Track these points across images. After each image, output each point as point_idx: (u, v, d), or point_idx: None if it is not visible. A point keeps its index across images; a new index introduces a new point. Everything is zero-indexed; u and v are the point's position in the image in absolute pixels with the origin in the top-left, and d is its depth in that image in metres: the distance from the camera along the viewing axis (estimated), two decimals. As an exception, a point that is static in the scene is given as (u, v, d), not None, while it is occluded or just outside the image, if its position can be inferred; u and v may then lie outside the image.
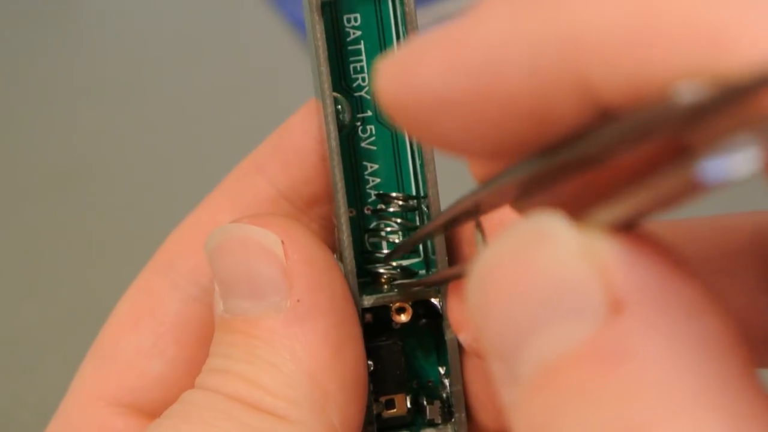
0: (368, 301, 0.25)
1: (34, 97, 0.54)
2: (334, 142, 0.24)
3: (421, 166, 0.25)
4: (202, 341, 0.26)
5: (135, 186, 0.49)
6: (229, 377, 0.22)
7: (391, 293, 0.25)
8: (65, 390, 0.41)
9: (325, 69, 0.24)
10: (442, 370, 0.26)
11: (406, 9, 0.24)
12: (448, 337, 0.25)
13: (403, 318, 0.25)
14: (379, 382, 0.25)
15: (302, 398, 0.22)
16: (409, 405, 0.25)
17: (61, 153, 0.51)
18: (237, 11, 0.58)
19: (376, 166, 0.25)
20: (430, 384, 0.26)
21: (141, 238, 0.46)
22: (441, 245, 0.25)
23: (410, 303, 0.25)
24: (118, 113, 0.53)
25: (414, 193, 0.25)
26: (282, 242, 0.22)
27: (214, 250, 0.23)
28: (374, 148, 0.25)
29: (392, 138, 0.25)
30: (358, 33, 0.25)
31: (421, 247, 0.25)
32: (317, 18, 0.24)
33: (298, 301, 0.22)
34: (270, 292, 0.22)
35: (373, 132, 0.25)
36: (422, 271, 0.25)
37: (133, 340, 0.26)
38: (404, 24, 0.24)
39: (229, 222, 0.24)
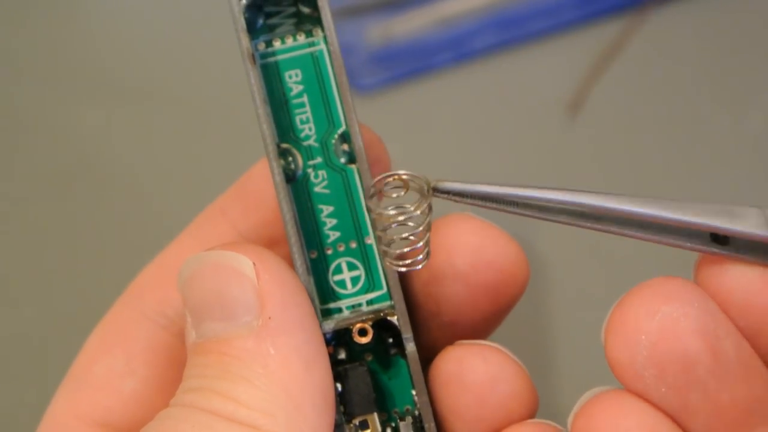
0: (329, 325, 0.25)
1: (35, 97, 0.55)
2: (279, 177, 0.25)
3: None
4: (171, 363, 0.28)
5: (137, 187, 0.50)
6: (204, 393, 0.23)
7: (350, 316, 0.26)
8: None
9: (262, 111, 0.25)
10: (414, 392, 0.26)
11: (334, 62, 0.25)
12: (408, 350, 0.26)
13: (364, 340, 0.26)
14: (350, 404, 0.26)
15: (276, 410, 0.23)
16: (380, 425, 0.26)
17: (62, 153, 0.51)
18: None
19: (331, 209, 0.26)
20: (407, 410, 0.26)
21: (143, 238, 0.47)
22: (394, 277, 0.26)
23: (370, 324, 0.26)
24: (120, 114, 0.53)
25: (369, 232, 0.26)
26: (253, 264, 0.23)
27: (187, 278, 0.24)
28: (328, 191, 0.26)
29: (343, 180, 0.26)
30: (301, 87, 0.26)
31: (383, 280, 0.26)
32: (250, 65, 0.25)
33: (270, 318, 0.23)
34: (242, 312, 0.23)
35: (325, 177, 0.26)
36: (388, 302, 0.26)
37: (106, 363, 0.28)
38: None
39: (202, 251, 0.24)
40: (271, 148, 0.25)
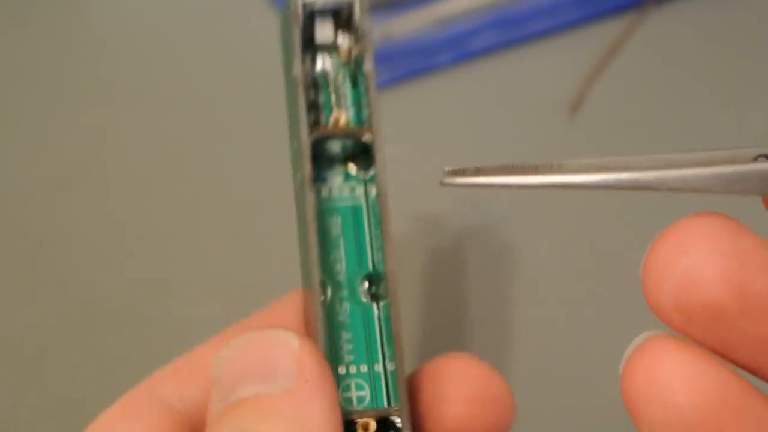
0: None
1: (35, 98, 0.54)
2: (319, 308, 0.26)
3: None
4: None
5: (137, 188, 0.50)
6: None
7: (357, 408, 0.26)
8: (65, 391, 0.42)
9: (315, 252, 0.26)
10: None
11: (382, 211, 0.26)
12: None
13: None
14: None
15: None
16: None
17: (61, 155, 0.51)
18: (238, 12, 0.58)
19: (349, 335, 0.27)
20: None
21: (142, 240, 0.47)
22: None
23: (374, 419, 0.26)
24: (119, 114, 0.53)
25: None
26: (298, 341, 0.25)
27: (230, 353, 0.25)
28: (349, 321, 0.27)
29: (362, 314, 0.27)
30: (338, 231, 0.27)
31: (385, 397, 0.27)
32: (309, 193, 0.25)
33: (307, 381, 0.24)
34: (282, 376, 0.24)
35: (348, 309, 0.27)
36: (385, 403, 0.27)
37: None
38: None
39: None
40: (318, 291, 0.26)
